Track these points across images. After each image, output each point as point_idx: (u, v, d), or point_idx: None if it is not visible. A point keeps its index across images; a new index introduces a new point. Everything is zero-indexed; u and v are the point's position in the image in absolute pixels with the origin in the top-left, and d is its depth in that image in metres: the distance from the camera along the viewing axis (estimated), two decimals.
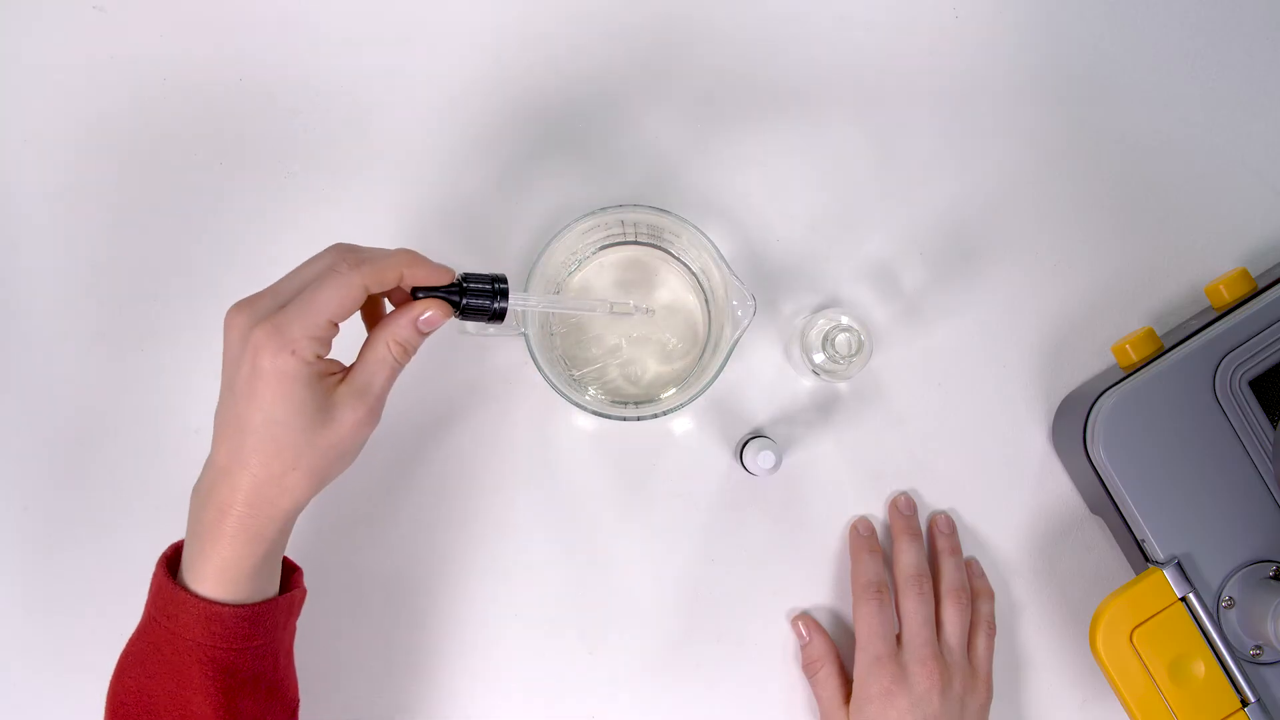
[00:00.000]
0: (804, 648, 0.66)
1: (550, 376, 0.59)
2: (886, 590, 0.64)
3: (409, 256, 0.52)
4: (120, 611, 0.65)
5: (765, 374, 0.67)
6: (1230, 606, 0.61)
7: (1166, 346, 0.63)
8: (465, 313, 0.53)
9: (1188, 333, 0.62)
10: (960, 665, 0.63)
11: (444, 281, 0.53)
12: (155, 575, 0.52)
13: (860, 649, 0.63)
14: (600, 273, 0.65)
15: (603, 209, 0.61)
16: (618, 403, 0.64)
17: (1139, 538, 0.62)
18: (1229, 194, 0.69)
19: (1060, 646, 0.67)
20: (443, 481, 0.66)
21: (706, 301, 0.65)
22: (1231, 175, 0.69)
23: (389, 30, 0.67)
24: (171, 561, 0.53)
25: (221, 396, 0.51)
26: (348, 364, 0.53)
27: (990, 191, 0.68)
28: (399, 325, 0.52)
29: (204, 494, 0.51)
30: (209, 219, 0.66)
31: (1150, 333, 0.64)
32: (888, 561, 0.66)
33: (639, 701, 0.66)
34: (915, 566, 0.64)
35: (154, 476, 0.65)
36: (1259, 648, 0.61)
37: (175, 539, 0.64)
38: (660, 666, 0.66)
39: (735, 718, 0.66)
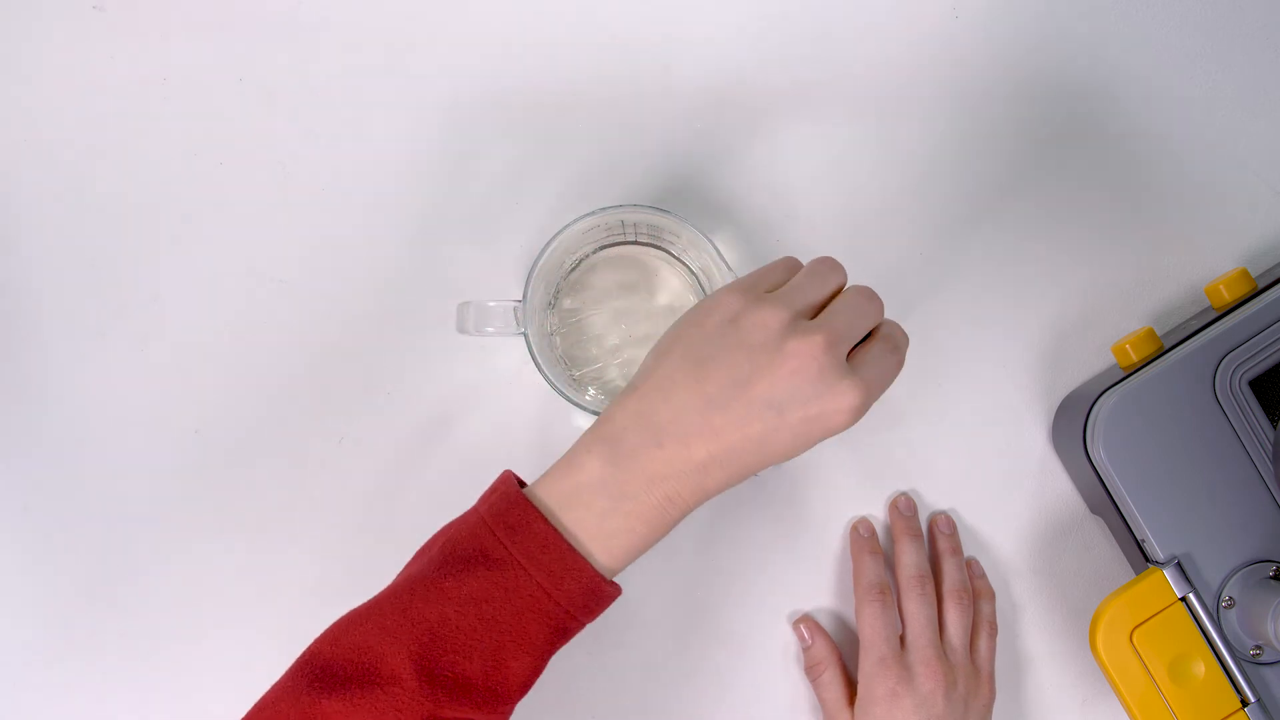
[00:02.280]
0: (806, 650, 0.66)
1: (550, 376, 0.59)
2: (889, 592, 0.64)
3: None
4: (120, 611, 0.65)
5: None
6: (1230, 606, 0.61)
7: (1166, 346, 0.63)
8: None
9: (1188, 333, 0.62)
10: (964, 666, 0.63)
11: None
12: (534, 523, 0.48)
13: (864, 651, 0.63)
14: (600, 273, 0.65)
15: (603, 209, 0.61)
16: None
17: (1139, 538, 0.62)
18: (1229, 194, 0.69)
19: (1060, 646, 0.67)
20: (442, 482, 0.66)
21: None
22: (1231, 175, 0.69)
23: (389, 30, 0.67)
24: (521, 496, 0.49)
25: (743, 400, 0.47)
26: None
27: (990, 191, 0.68)
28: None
29: (655, 477, 0.48)
30: (209, 219, 0.66)
31: (1150, 333, 0.64)
32: (889, 563, 0.66)
33: (639, 701, 0.66)
34: (917, 568, 0.64)
35: (154, 477, 0.65)
36: (1259, 648, 0.61)
37: (174, 539, 0.65)
38: (660, 667, 0.66)
39: (737, 719, 0.66)
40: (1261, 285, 0.63)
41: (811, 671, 0.65)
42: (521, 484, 0.51)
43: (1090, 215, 0.68)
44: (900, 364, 0.50)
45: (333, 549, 0.65)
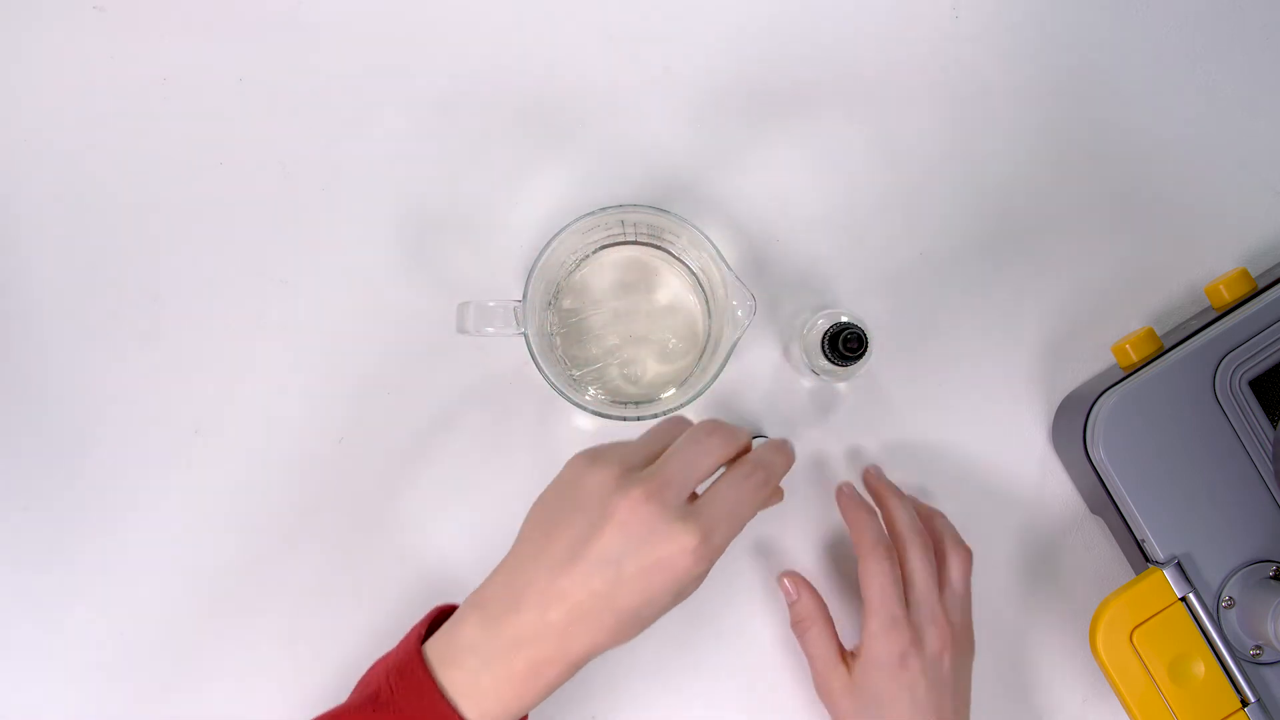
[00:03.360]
0: (792, 605, 0.64)
1: (550, 376, 0.59)
2: (893, 549, 0.61)
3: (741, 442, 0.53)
4: (120, 611, 0.65)
5: (765, 374, 0.67)
6: (1230, 606, 0.61)
7: (1166, 346, 0.63)
8: None
9: (1188, 333, 0.62)
10: (962, 624, 0.61)
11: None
12: (416, 670, 0.51)
13: (874, 610, 0.60)
14: (600, 273, 0.65)
15: (603, 209, 0.61)
16: (618, 403, 0.64)
17: (1139, 538, 0.62)
18: (1229, 194, 0.69)
19: (1060, 646, 0.67)
20: (443, 482, 0.66)
21: (706, 301, 0.65)
22: (1231, 175, 0.69)
23: (389, 30, 0.67)
24: (416, 645, 0.52)
25: (583, 559, 0.49)
26: None
27: (989, 191, 0.68)
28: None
29: (518, 640, 0.50)
30: (208, 219, 0.66)
31: (1150, 333, 0.64)
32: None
33: (639, 702, 0.66)
34: (912, 524, 0.62)
35: (154, 477, 0.65)
36: (1259, 648, 0.61)
37: (173, 539, 0.65)
38: (660, 666, 0.66)
39: (737, 717, 0.66)
40: (1261, 285, 0.63)
41: (798, 627, 0.63)
42: (448, 611, 0.54)
43: (1090, 215, 0.68)
44: (763, 483, 0.52)
45: (333, 549, 0.65)
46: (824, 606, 0.63)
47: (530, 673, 0.50)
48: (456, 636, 0.51)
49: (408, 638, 0.54)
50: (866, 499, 0.65)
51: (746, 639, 0.66)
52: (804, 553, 0.67)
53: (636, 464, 0.51)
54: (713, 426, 0.52)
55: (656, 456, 0.52)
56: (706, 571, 0.50)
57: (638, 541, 0.49)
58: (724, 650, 0.66)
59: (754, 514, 0.52)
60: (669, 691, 0.66)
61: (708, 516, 0.50)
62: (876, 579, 0.60)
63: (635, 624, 0.50)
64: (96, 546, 0.65)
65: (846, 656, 0.61)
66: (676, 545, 0.49)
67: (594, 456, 0.52)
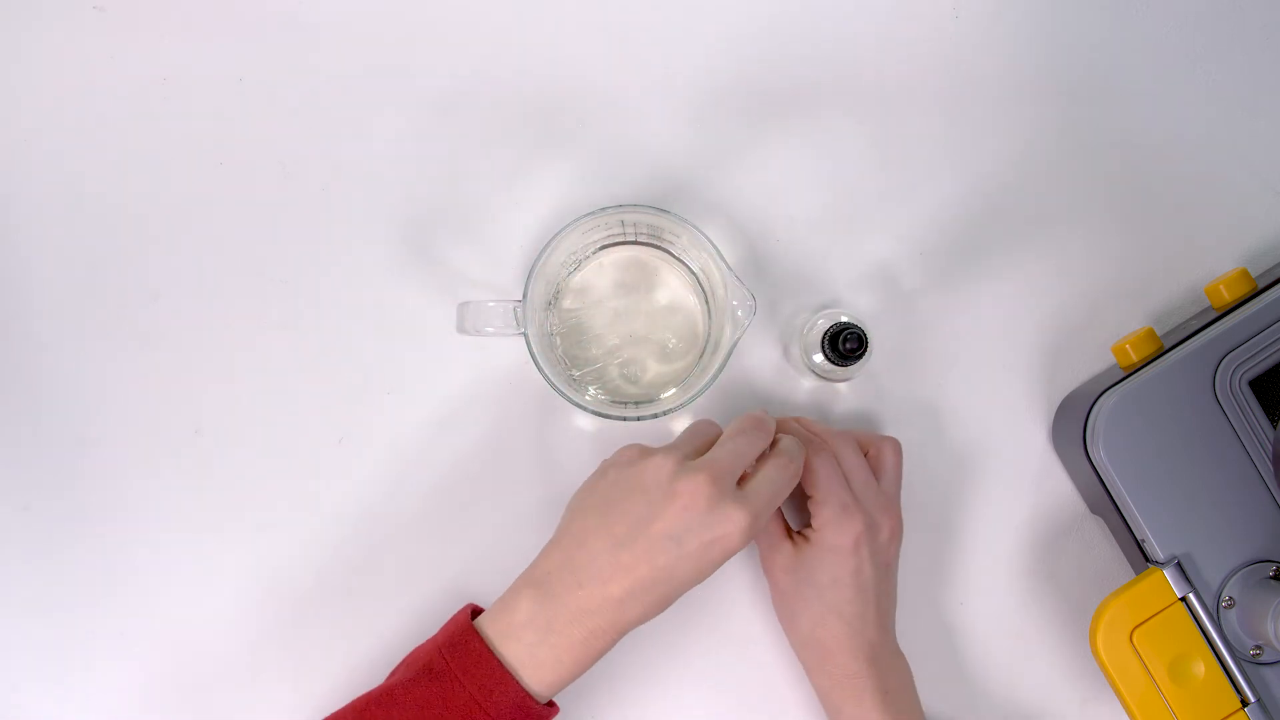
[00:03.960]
0: None
1: (550, 376, 0.59)
2: (826, 445, 0.62)
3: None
4: (120, 611, 0.65)
5: (765, 374, 0.67)
6: (1230, 606, 0.61)
7: (1166, 346, 0.63)
8: None
9: (1188, 333, 0.62)
10: (899, 514, 0.62)
11: None
12: (472, 643, 0.55)
13: (824, 499, 0.60)
14: (600, 273, 0.65)
15: (603, 209, 0.61)
16: (618, 403, 0.64)
17: (1139, 538, 0.62)
18: (1229, 194, 0.69)
19: (1060, 646, 0.67)
20: (442, 482, 0.66)
21: (706, 301, 0.65)
22: (1231, 175, 0.69)
23: (389, 30, 0.67)
24: (468, 622, 0.56)
25: (646, 536, 0.53)
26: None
27: (990, 191, 0.68)
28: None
29: (577, 614, 0.54)
30: (209, 219, 0.66)
31: (1150, 333, 0.64)
32: None
33: (640, 703, 0.66)
34: (832, 428, 0.63)
35: (154, 477, 0.65)
36: (1259, 648, 0.61)
37: (180, 541, 0.65)
38: (661, 667, 0.66)
39: (735, 715, 0.66)
40: (1261, 285, 0.63)
41: None
42: (479, 611, 0.58)
43: (1090, 215, 0.68)
44: (796, 472, 0.57)
45: (333, 549, 0.65)
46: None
47: (584, 644, 0.54)
48: (512, 613, 0.55)
49: (455, 618, 0.57)
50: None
51: (748, 640, 0.66)
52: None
53: (689, 454, 0.56)
54: (755, 422, 0.57)
55: (700, 451, 0.56)
56: (745, 544, 0.54)
57: (699, 519, 0.53)
58: (726, 652, 0.66)
59: (783, 499, 0.57)
60: (670, 693, 0.66)
61: (756, 499, 0.54)
62: (821, 470, 0.61)
63: (676, 596, 0.55)
64: (97, 546, 0.65)
65: (792, 534, 0.63)
66: (733, 524, 0.53)
67: (645, 448, 0.57)
